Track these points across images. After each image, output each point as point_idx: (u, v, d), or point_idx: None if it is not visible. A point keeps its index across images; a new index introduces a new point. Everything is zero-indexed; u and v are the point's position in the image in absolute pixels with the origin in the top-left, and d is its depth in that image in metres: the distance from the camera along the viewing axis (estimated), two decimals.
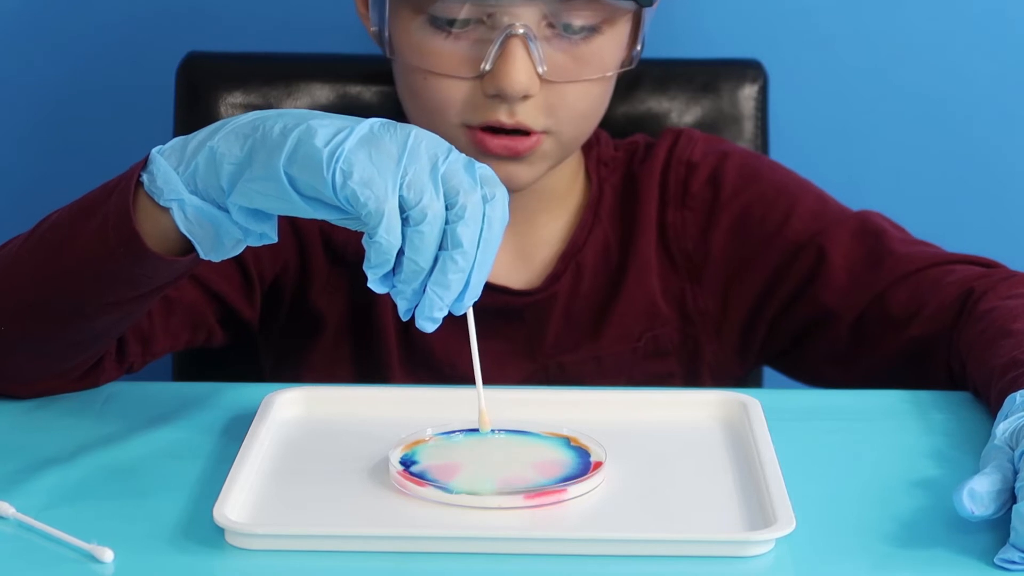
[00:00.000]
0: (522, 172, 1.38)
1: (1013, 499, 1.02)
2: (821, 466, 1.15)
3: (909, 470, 1.14)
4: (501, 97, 1.33)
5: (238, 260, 1.40)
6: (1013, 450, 1.05)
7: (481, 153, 1.35)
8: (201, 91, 1.61)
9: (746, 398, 1.21)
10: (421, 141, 1.04)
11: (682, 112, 1.64)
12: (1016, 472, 1.03)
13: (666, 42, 1.80)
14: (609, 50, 1.37)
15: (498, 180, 1.06)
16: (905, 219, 1.46)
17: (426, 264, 1.03)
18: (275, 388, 1.22)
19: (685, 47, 1.79)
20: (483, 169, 1.05)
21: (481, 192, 1.04)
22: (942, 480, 1.13)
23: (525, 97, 1.34)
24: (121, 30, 1.83)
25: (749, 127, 1.65)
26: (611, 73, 1.38)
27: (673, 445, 1.17)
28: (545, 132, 1.36)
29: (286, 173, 1.04)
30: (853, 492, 1.11)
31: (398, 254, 1.03)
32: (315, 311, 1.45)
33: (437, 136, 1.05)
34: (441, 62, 1.35)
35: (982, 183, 1.87)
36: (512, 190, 1.38)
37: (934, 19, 1.82)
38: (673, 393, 1.25)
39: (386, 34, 1.38)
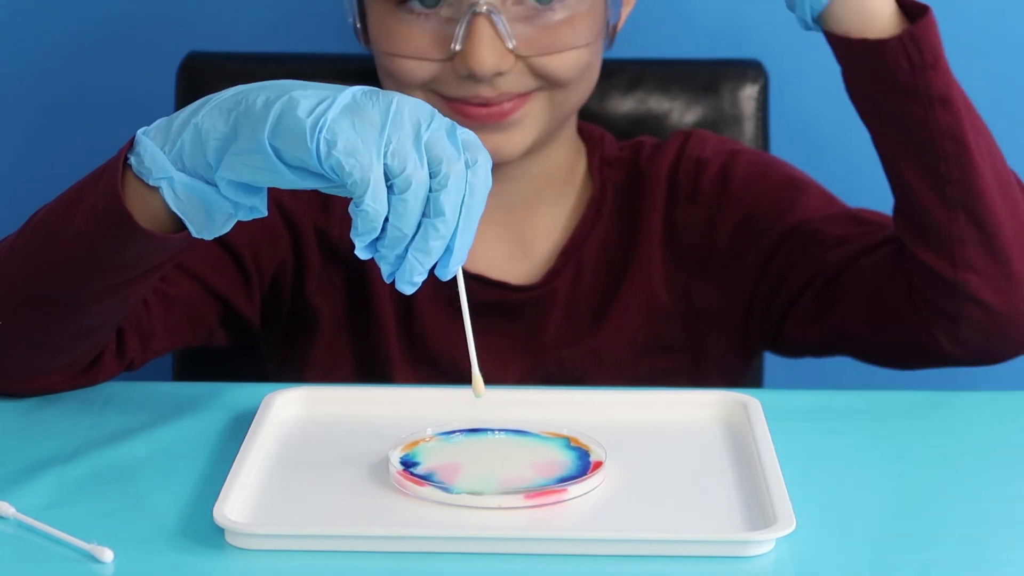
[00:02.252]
0: (512, 140, 1.38)
1: None
2: (821, 466, 1.15)
3: (909, 470, 1.14)
4: (474, 78, 1.34)
5: (235, 258, 1.40)
6: None
7: (463, 121, 1.36)
8: (201, 91, 1.59)
9: (746, 398, 1.21)
10: (404, 107, 1.04)
11: (683, 112, 1.64)
12: None
13: (666, 42, 1.80)
14: (581, 18, 1.37)
15: (481, 145, 1.06)
16: None
17: (409, 231, 1.03)
18: (275, 388, 1.22)
19: (685, 47, 1.79)
20: (465, 134, 1.05)
21: (464, 159, 1.04)
22: (942, 480, 1.13)
23: (499, 74, 1.34)
24: (121, 30, 1.83)
25: (749, 127, 1.65)
26: (586, 44, 1.38)
27: (673, 445, 1.17)
28: (536, 89, 1.37)
29: (271, 145, 1.04)
30: (853, 492, 1.11)
31: (384, 221, 1.04)
32: (312, 309, 1.45)
33: (419, 101, 1.06)
34: (411, 44, 1.36)
35: None
36: (501, 162, 1.37)
37: (938, 20, 1.82)
38: (673, 393, 1.25)
39: (357, 24, 1.40)
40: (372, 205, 1.02)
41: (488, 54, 1.33)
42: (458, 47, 1.34)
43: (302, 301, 1.46)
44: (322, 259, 1.45)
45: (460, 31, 1.33)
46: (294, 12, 1.82)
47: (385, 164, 1.03)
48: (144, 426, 1.21)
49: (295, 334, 1.47)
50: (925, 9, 1.28)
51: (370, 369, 1.45)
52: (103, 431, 1.20)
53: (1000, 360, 1.34)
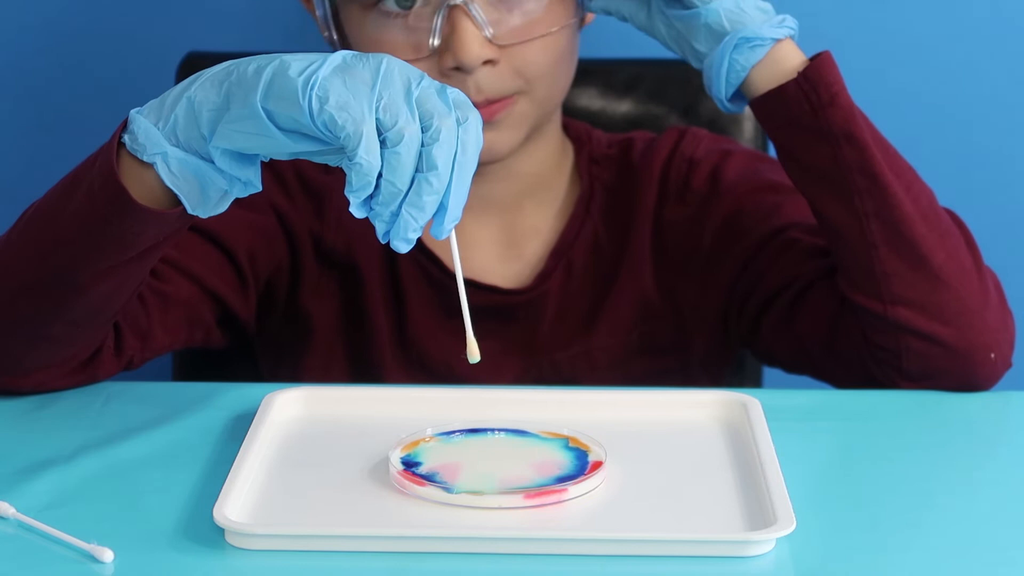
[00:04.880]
0: (502, 138, 1.38)
1: None
2: (821, 466, 1.15)
3: (909, 469, 1.14)
4: (462, 69, 1.34)
5: (232, 260, 1.40)
6: None
7: None
8: None
9: (746, 398, 1.21)
10: (394, 67, 1.05)
11: (682, 112, 1.64)
12: None
13: None
14: (553, 3, 1.37)
15: (471, 104, 1.07)
16: None
17: (403, 185, 1.04)
18: (275, 388, 1.22)
19: None
20: (455, 93, 1.06)
21: (455, 115, 1.05)
22: (941, 480, 1.13)
23: (486, 63, 1.34)
24: (121, 30, 1.83)
25: (749, 127, 1.65)
26: (564, 24, 1.37)
27: (673, 445, 1.17)
28: (517, 93, 1.37)
29: (263, 108, 1.05)
30: (853, 492, 1.11)
31: (377, 178, 1.04)
32: (306, 313, 1.46)
33: (408, 63, 1.07)
34: (394, 48, 1.35)
35: (982, 183, 1.87)
36: (494, 160, 1.38)
37: (934, 19, 1.82)
38: (673, 393, 1.25)
39: (335, 36, 1.40)
40: (366, 158, 1.03)
41: (473, 42, 1.33)
42: (436, 42, 1.33)
43: (296, 305, 1.46)
44: (317, 264, 1.45)
45: (436, 24, 1.33)
46: (294, 12, 1.82)
47: (377, 119, 1.03)
48: (144, 426, 1.21)
49: (289, 338, 1.47)
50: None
51: (363, 373, 1.45)
52: (103, 431, 1.20)
53: (957, 390, 1.30)
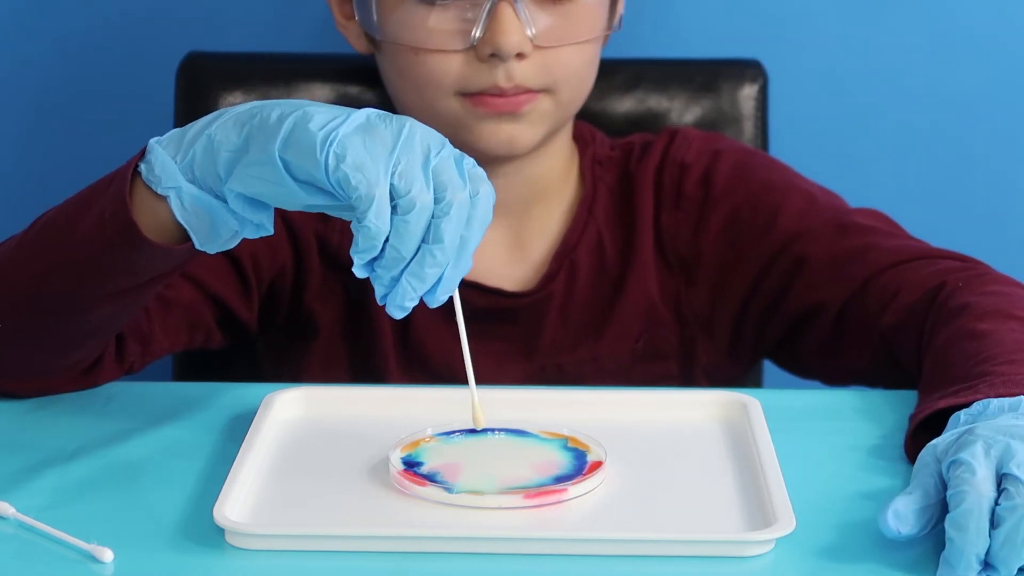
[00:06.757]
0: (524, 132, 1.39)
1: (941, 514, 1.01)
2: (821, 466, 1.15)
3: (909, 470, 1.14)
4: (498, 56, 1.35)
5: (235, 262, 1.40)
6: (940, 462, 1.04)
7: (482, 117, 1.37)
8: (201, 91, 1.61)
9: (746, 398, 1.21)
10: (416, 132, 1.05)
11: (682, 112, 1.64)
12: (943, 483, 1.02)
13: (666, 42, 1.80)
14: (593, 11, 1.40)
15: (485, 178, 1.06)
16: (904, 219, 1.46)
17: (408, 253, 1.04)
18: (275, 388, 1.22)
19: (685, 47, 1.79)
20: (471, 166, 1.06)
21: (468, 190, 1.04)
22: None
23: (520, 56, 1.36)
24: (121, 30, 1.83)
25: (749, 127, 1.65)
26: (597, 35, 1.41)
27: (673, 445, 1.17)
28: (543, 91, 1.39)
29: (281, 157, 1.05)
30: (853, 492, 1.11)
31: (383, 242, 1.04)
32: (310, 315, 1.46)
33: (432, 129, 1.06)
34: (432, 36, 1.37)
35: (981, 183, 1.87)
36: (513, 154, 1.40)
37: (934, 19, 1.82)
38: (673, 393, 1.25)
39: (374, 18, 1.40)
40: (375, 222, 1.02)
41: (514, 32, 1.35)
42: (479, 33, 1.35)
43: (300, 307, 1.46)
44: (322, 266, 1.45)
45: (482, 17, 1.35)
46: (294, 12, 1.82)
47: (392, 184, 1.03)
48: (144, 426, 1.21)
49: (292, 339, 1.47)
50: None
51: (366, 375, 1.46)
52: (103, 431, 1.20)
53: None
